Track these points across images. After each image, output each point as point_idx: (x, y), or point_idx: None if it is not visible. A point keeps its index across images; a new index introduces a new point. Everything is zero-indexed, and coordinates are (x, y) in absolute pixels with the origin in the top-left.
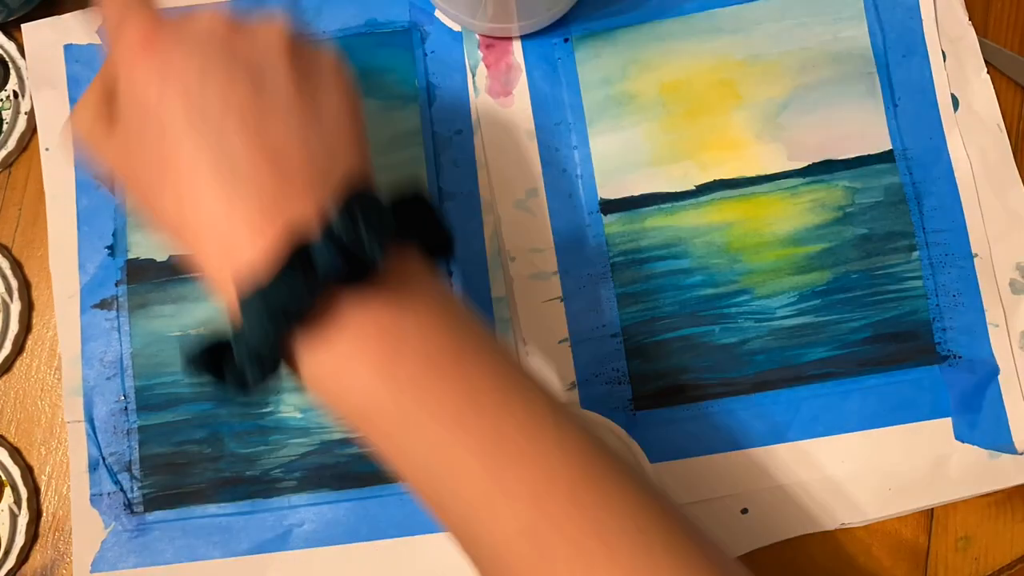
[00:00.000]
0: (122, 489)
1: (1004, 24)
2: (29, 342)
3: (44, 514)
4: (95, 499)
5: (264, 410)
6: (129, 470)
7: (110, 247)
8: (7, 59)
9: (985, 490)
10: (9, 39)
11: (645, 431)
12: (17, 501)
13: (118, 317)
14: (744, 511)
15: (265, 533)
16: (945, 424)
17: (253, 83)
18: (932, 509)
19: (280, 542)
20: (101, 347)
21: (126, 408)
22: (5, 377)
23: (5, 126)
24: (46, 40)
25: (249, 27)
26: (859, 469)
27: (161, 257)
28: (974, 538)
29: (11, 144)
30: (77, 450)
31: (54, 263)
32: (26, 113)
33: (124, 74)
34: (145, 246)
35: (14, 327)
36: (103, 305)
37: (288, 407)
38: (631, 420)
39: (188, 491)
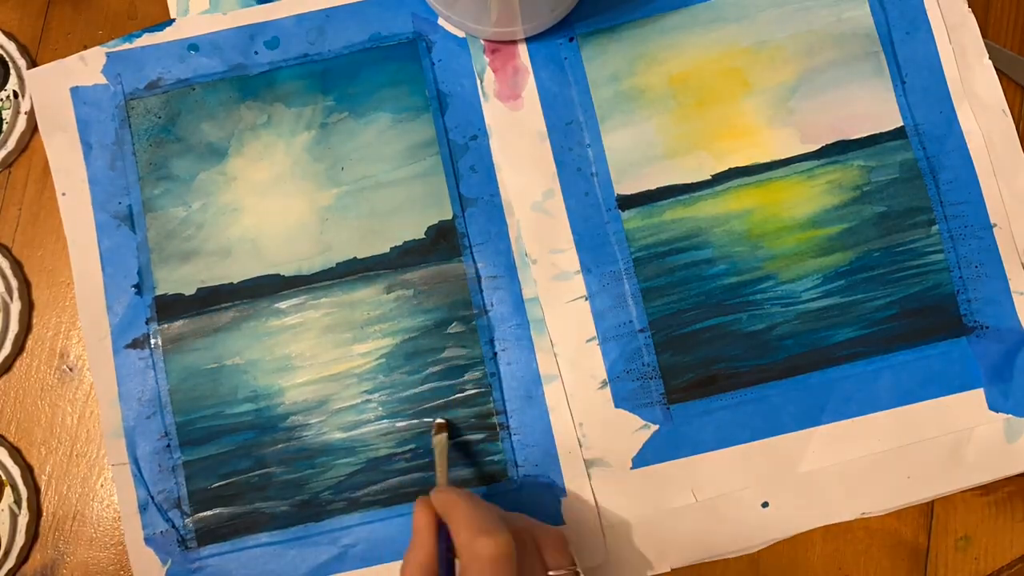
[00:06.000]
0: (174, 526)
1: (1004, 24)
2: (29, 342)
3: (44, 514)
4: (149, 539)
5: (307, 433)
6: (179, 507)
7: (136, 286)
8: (7, 59)
9: (1002, 475)
10: (9, 39)
11: (681, 424)
12: (17, 501)
13: (152, 355)
14: (765, 504)
15: (320, 556)
16: (978, 395)
17: None
18: (933, 509)
19: (336, 564)
20: (137, 387)
21: (169, 445)
22: (5, 377)
23: (5, 126)
24: (51, 85)
25: None
26: (885, 452)
27: (190, 291)
28: (974, 538)
29: (11, 144)
30: (125, 492)
31: (82, 307)
32: (26, 113)
33: None
34: (172, 281)
35: (14, 327)
36: (135, 344)
37: (330, 427)
38: (666, 414)
39: (240, 522)
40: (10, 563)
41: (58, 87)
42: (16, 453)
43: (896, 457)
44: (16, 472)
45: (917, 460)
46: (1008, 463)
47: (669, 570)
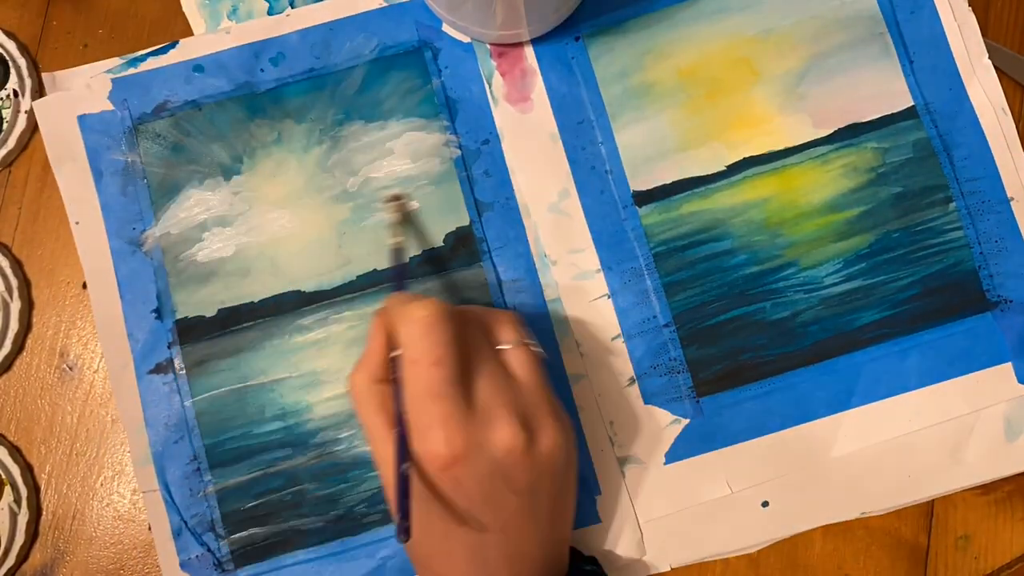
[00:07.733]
0: (209, 550)
1: (1004, 24)
2: (29, 341)
3: (44, 513)
4: (185, 564)
5: (338, 448)
6: (213, 530)
7: (156, 310)
8: (7, 58)
9: (1002, 474)
10: (9, 38)
11: (711, 417)
12: (17, 500)
13: (175, 379)
14: (764, 504)
15: (358, 570)
16: (1006, 369)
17: (522, 506)
18: (933, 508)
19: None
20: (163, 412)
21: (199, 469)
22: (5, 376)
23: (5, 125)
24: (58, 115)
25: (534, 452)
26: (886, 448)
27: (210, 312)
28: (974, 537)
29: (11, 143)
30: (158, 518)
31: (102, 335)
32: (26, 112)
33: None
34: (192, 304)
35: (14, 326)
36: (158, 370)
37: (361, 441)
38: (695, 408)
39: (275, 541)
40: (10, 562)
41: (65, 116)
42: (16, 452)
43: (897, 455)
44: (16, 471)
45: (917, 459)
46: (1008, 462)
47: (670, 568)
